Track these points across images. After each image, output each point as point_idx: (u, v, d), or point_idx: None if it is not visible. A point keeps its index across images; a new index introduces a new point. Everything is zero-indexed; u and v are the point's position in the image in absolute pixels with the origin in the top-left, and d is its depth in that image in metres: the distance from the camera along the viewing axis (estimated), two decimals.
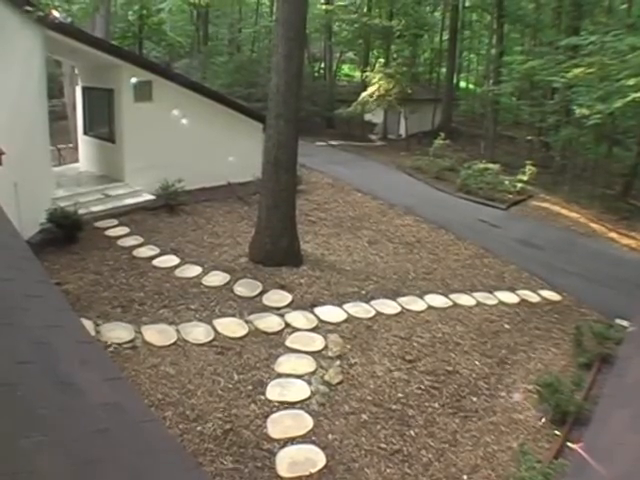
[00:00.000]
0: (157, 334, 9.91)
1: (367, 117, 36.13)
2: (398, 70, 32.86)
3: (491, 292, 13.62)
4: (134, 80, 17.09)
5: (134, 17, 36.33)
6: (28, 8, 13.50)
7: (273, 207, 13.46)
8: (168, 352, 9.44)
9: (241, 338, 10.11)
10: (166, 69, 22.54)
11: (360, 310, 11.66)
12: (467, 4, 40.33)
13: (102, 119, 18.64)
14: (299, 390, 8.90)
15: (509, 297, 13.55)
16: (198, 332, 10.12)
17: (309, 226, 16.19)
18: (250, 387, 8.77)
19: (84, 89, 19.92)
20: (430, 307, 12.31)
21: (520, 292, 13.94)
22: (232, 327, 10.42)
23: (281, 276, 12.72)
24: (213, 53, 39.98)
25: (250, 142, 18.94)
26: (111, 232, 14.57)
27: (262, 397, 8.57)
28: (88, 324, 9.62)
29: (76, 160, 20.93)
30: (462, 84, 50.60)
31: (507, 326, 12.07)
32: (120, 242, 13.97)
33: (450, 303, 12.67)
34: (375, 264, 14.31)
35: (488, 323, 12.02)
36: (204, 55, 38.61)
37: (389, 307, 11.99)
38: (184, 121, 17.95)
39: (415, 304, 12.33)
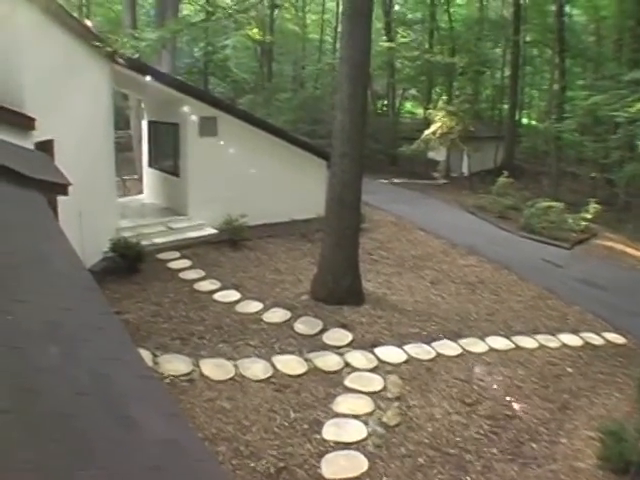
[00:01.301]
0: (215, 368, 9.91)
1: (430, 155, 36.02)
2: (461, 107, 32.73)
3: (554, 334, 13.28)
4: (194, 117, 17.38)
5: (200, 53, 37.10)
6: (97, 43, 13.90)
7: (336, 245, 13.42)
8: (225, 387, 9.42)
9: (300, 376, 10.04)
10: (231, 105, 22.88)
11: (421, 351, 11.47)
12: (527, 39, 40.03)
13: (167, 153, 19.00)
14: (356, 431, 8.76)
15: (572, 339, 13.19)
16: (256, 368, 10.07)
17: (371, 265, 16.10)
18: (306, 426, 8.68)
19: (150, 123, 20.38)
20: (491, 349, 12.04)
21: (583, 334, 13.55)
22: (291, 364, 10.36)
23: (342, 315, 12.62)
24: (277, 90, 40.42)
25: (313, 179, 19.03)
26: (173, 264, 14.73)
27: (318, 436, 8.46)
28: (146, 355, 9.70)
29: (140, 192, 21.35)
30: (524, 120, 50.11)
31: (569, 370, 11.73)
32: (182, 275, 14.10)
33: (512, 345, 12.38)
34: (437, 304, 14.12)
35: (550, 366, 11.71)
36: (268, 91, 39.01)
37: (450, 348, 11.78)
38: (248, 156, 18.10)
39: (476, 346, 12.09)
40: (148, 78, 16.33)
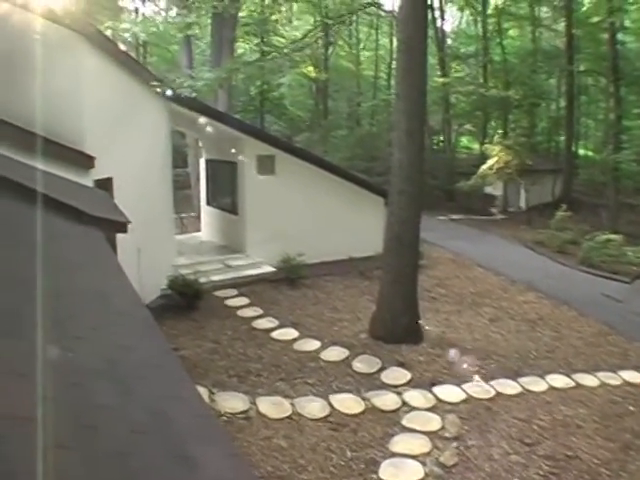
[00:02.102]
0: (272, 406, 9.85)
1: (487, 190, 35.75)
2: (517, 141, 32.50)
3: (615, 372, 12.85)
4: (252, 156, 17.57)
5: (256, 91, 37.61)
6: (155, 83, 14.20)
7: (395, 283, 13.31)
8: (282, 425, 9.35)
9: (357, 415, 9.90)
10: (288, 143, 23.10)
11: (480, 390, 11.21)
12: (581, 68, 39.56)
13: (225, 191, 19.21)
14: (413, 471, 8.58)
15: (634, 377, 12.72)
16: (313, 407, 9.98)
17: (430, 302, 15.92)
18: (363, 465, 8.53)
19: (208, 161, 20.68)
20: (551, 388, 11.69)
21: None
22: (348, 403, 10.23)
23: (401, 353, 12.46)
24: (333, 127, 40.69)
25: (371, 216, 18.99)
26: (231, 302, 14.81)
27: (374, 476, 8.30)
28: (203, 392, 9.70)
29: (198, 229, 21.61)
30: (581, 152, 49.41)
31: (632, 408, 11.31)
32: (240, 312, 14.15)
33: (572, 384, 12.01)
34: (496, 342, 13.86)
35: (611, 405, 11.32)
36: (324, 129, 39.27)
37: (509, 387, 11.48)
38: (305, 194, 18.17)
39: (536, 384, 11.75)
40: (203, 119, 16.62)
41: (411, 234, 13.19)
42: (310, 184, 18.30)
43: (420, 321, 13.67)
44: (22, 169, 7.33)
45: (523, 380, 11.83)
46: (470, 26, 46.20)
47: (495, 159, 31.46)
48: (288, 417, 9.60)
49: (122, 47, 13.57)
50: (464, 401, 10.75)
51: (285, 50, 19.44)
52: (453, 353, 12.46)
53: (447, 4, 41.86)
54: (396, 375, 11.50)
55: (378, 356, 12.24)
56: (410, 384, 11.21)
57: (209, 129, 17.68)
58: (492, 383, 11.55)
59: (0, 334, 3.17)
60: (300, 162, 18.30)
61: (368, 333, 13.38)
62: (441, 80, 36.67)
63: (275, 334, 13.03)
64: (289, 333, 13.13)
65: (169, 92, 14.95)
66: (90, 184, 10.01)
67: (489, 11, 39.38)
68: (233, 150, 18.04)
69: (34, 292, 3.73)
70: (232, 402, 9.81)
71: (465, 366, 12.14)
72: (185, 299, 13.98)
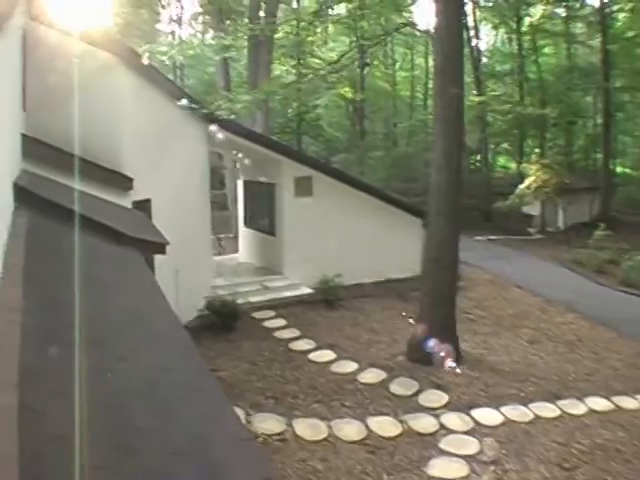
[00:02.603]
0: (308, 428, 9.84)
1: (525, 209, 35.37)
2: (554, 160, 32.22)
3: None
4: (289, 177, 17.65)
5: (292, 113, 37.80)
6: (193, 105, 14.34)
7: (433, 305, 13.26)
8: (318, 447, 9.32)
9: (394, 438, 9.83)
10: (326, 164, 23.16)
11: (518, 413, 11.05)
12: (618, 85, 39.02)
13: (263, 212, 19.28)
14: None
15: None
16: (350, 429, 9.94)
17: (468, 324, 15.75)
18: None
19: (245, 182, 20.79)
20: (591, 410, 11.47)
21: None
22: (385, 426, 10.17)
23: (438, 376, 12.34)
24: (370, 148, 40.65)
25: (408, 237, 18.86)
26: (268, 323, 14.83)
27: None
28: (240, 413, 9.68)
29: (236, 250, 21.67)
30: (619, 169, 48.69)
31: None
32: (277, 334, 14.18)
33: (612, 406, 11.75)
34: (534, 364, 13.67)
35: None
36: (361, 150, 39.25)
37: (548, 410, 11.29)
38: (343, 215, 18.15)
39: (575, 407, 11.54)
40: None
41: (450, 255, 13.13)
42: (347, 205, 18.27)
43: (458, 343, 13.55)
44: (63, 191, 7.43)
45: (562, 403, 11.64)
46: (505, 44, 45.95)
47: (532, 178, 31.17)
48: (324, 439, 9.58)
49: (159, 69, 13.70)
50: (502, 424, 10.63)
51: (322, 72, 19.53)
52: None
53: (481, 22, 41.68)
54: (433, 398, 11.40)
55: (415, 378, 12.16)
56: (448, 407, 11.10)
57: (246, 150, 17.77)
58: (530, 406, 11.39)
59: (41, 354, 3.20)
60: (337, 183, 18.32)
61: (406, 355, 13.29)
62: (477, 99, 36.42)
63: (312, 356, 13.02)
64: (326, 355, 13.10)
65: (207, 114, 15.08)
66: (129, 205, 10.12)
67: (524, 28, 39.07)
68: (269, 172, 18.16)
69: (74, 313, 3.76)
70: (268, 423, 9.81)
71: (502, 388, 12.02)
72: (222, 320, 14.04)
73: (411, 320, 14.62)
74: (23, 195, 5.83)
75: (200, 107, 14.95)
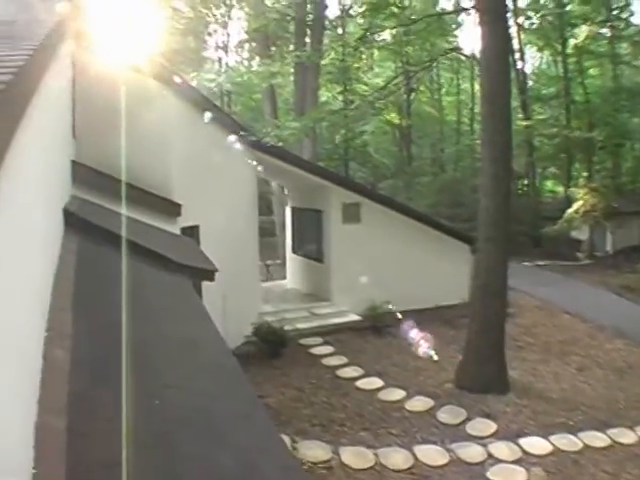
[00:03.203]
0: (354, 456, 9.74)
1: (573, 234, 34.93)
2: (602, 183, 31.79)
3: None
4: (337, 204, 17.66)
5: (340, 139, 37.91)
6: (242, 133, 14.46)
7: (481, 332, 13.10)
8: (364, 476, 9.23)
9: (441, 467, 9.68)
10: (374, 191, 23.18)
11: (567, 442, 10.78)
12: None
13: (310, 239, 19.33)
14: None
15: None
16: (397, 458, 9.82)
17: (516, 351, 15.51)
18: None
19: (293, 209, 20.87)
20: None
21: None
22: (432, 455, 10.01)
23: (486, 404, 12.15)
24: (417, 173, 40.58)
25: (456, 264, 18.74)
26: (315, 350, 14.79)
27: None
28: (286, 440, 9.64)
29: (283, 277, 21.71)
30: None
31: None
32: (324, 361, 14.12)
33: None
34: (583, 392, 13.39)
35: None
36: (408, 175, 39.19)
37: (597, 439, 11.00)
38: (390, 241, 18.07)
39: (625, 436, 11.19)
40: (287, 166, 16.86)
41: (498, 282, 12.98)
42: (395, 231, 18.22)
43: (507, 370, 13.33)
44: (112, 217, 7.50)
45: (611, 432, 11.33)
46: (550, 67, 45.57)
47: (580, 202, 30.83)
48: (371, 468, 9.49)
49: (207, 96, 13.87)
50: (550, 453, 10.38)
51: (369, 98, 19.58)
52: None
53: (526, 45, 41.42)
54: (481, 426, 11.21)
55: (463, 406, 11.98)
56: (496, 435, 10.90)
57: (294, 177, 17.85)
58: (580, 435, 11.13)
59: (89, 379, 3.20)
60: (385, 210, 18.29)
61: (454, 383, 13.13)
62: (524, 123, 36.16)
63: (359, 383, 12.93)
64: (374, 382, 12.99)
65: (255, 141, 15.20)
66: (177, 231, 10.19)
67: (569, 50, 38.74)
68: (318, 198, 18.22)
69: (123, 339, 3.76)
70: (314, 451, 9.74)
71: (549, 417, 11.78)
72: (270, 346, 14.05)
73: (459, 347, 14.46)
74: (73, 220, 5.89)
75: (248, 134, 15.08)
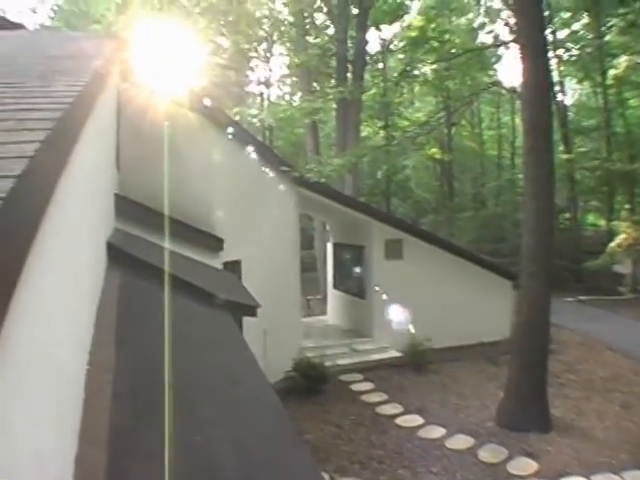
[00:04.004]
0: None
1: (615, 268, 34.42)
2: None
3: None
4: (379, 240, 17.64)
5: (381, 174, 37.96)
6: (284, 169, 14.56)
7: (523, 369, 12.91)
8: None
9: None
10: (416, 227, 23.11)
11: None
12: None
13: (352, 275, 19.30)
14: None
15: None
16: None
17: (558, 388, 15.24)
18: None
19: (335, 245, 20.88)
20: None
21: None
22: None
23: (528, 442, 11.90)
24: (459, 208, 40.39)
25: (498, 300, 18.57)
26: (355, 387, 14.71)
27: None
28: (325, 477, 9.57)
29: (324, 312, 21.68)
30: None
31: None
32: (364, 397, 14.03)
33: None
34: (628, 430, 13.04)
35: None
36: (450, 210, 39.05)
37: None
38: (431, 277, 17.96)
39: None
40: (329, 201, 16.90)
41: (541, 318, 12.81)
42: (437, 267, 18.14)
43: (549, 408, 13.07)
44: (154, 250, 7.55)
45: None
46: (591, 98, 45.22)
47: (623, 236, 30.38)
48: None
49: (250, 132, 14.03)
50: None
51: (410, 133, 19.62)
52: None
53: (566, 77, 41.18)
54: (523, 465, 10.99)
55: (505, 445, 11.77)
56: (537, 475, 10.68)
57: (336, 212, 17.86)
58: (623, 475, 10.84)
59: (131, 414, 3.19)
60: (427, 245, 18.19)
61: (495, 421, 12.93)
62: (565, 156, 35.87)
63: (399, 420, 12.81)
64: (414, 419, 12.86)
65: (297, 176, 15.29)
66: (219, 266, 10.24)
67: (609, 81, 38.44)
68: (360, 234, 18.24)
69: (165, 373, 3.75)
70: None
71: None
72: (310, 382, 13.99)
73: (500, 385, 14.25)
74: (116, 254, 5.92)
75: (291, 170, 15.17)
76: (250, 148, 13.30)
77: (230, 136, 12.01)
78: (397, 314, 16.91)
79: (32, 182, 1.73)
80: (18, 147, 1.85)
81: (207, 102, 11.32)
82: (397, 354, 16.85)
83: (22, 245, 1.66)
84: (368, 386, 14.82)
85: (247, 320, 9.68)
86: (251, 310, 7.63)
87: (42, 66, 4.42)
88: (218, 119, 11.51)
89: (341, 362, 15.93)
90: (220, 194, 11.02)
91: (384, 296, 17.45)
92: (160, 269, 6.25)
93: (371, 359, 16.56)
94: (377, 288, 17.15)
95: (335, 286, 21.04)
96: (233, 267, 11.05)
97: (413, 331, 16.52)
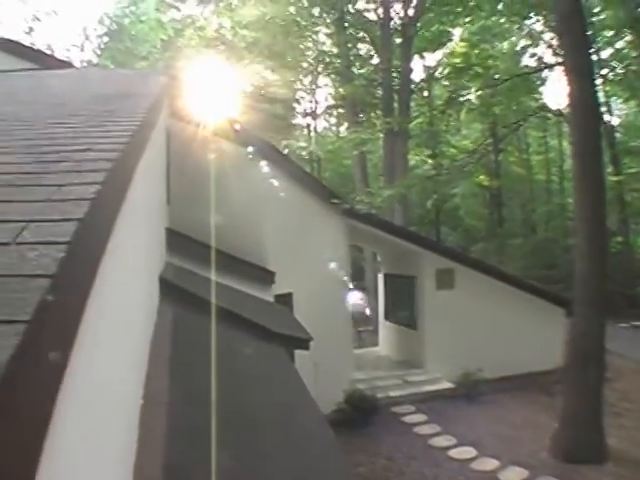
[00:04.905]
0: None
1: None
2: None
3: None
4: (431, 270, 17.54)
5: (430, 203, 37.82)
6: (334, 201, 14.61)
7: (577, 399, 12.64)
8: None
9: None
10: (467, 256, 22.94)
11: None
12: None
13: (403, 305, 19.19)
14: None
15: None
16: None
17: (613, 418, 14.85)
18: None
19: (386, 276, 20.80)
20: None
21: None
22: None
23: (583, 474, 11.61)
24: (508, 235, 39.98)
25: (550, 327, 18.20)
26: (407, 418, 14.55)
27: None
28: None
29: (375, 343, 21.55)
30: None
31: None
32: (416, 429, 13.85)
33: None
34: None
35: None
36: (499, 238, 38.68)
37: None
38: (483, 306, 17.76)
39: None
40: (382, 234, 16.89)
41: (595, 346, 12.54)
42: (488, 296, 17.91)
43: (604, 439, 12.75)
44: (206, 284, 7.60)
45: None
46: (638, 117, 44.55)
47: None
48: None
49: (299, 165, 14.15)
50: None
51: (460, 162, 19.57)
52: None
53: (612, 97, 40.64)
54: None
55: (559, 477, 11.48)
56: None
57: (387, 243, 17.82)
58: None
59: (185, 449, 3.20)
60: (478, 274, 18.01)
61: (549, 452, 12.62)
62: (614, 178, 35.34)
63: (452, 452, 12.58)
64: (467, 452, 12.62)
65: (347, 208, 15.33)
66: (271, 299, 10.28)
67: None
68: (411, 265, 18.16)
69: (219, 407, 3.75)
70: None
71: None
72: (361, 414, 13.88)
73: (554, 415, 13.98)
74: (168, 288, 5.97)
75: (341, 201, 15.22)
76: (299, 180, 13.40)
77: (279, 170, 12.11)
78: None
79: (93, 224, 1.76)
80: (77, 189, 1.88)
81: (254, 134, 11.46)
82: (449, 385, 16.65)
83: (84, 289, 1.68)
84: (420, 418, 14.64)
85: (299, 352, 9.70)
86: (304, 343, 7.65)
87: (95, 105, 4.52)
88: (266, 151, 11.61)
89: (393, 394, 15.78)
90: (270, 226, 11.09)
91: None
92: (212, 303, 6.28)
93: (423, 390, 16.37)
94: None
95: (386, 317, 20.92)
96: (285, 300, 11.08)
97: (464, 360, 16.30)
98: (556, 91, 44.51)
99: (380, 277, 21.69)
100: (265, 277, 10.27)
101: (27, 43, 21.19)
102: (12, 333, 1.10)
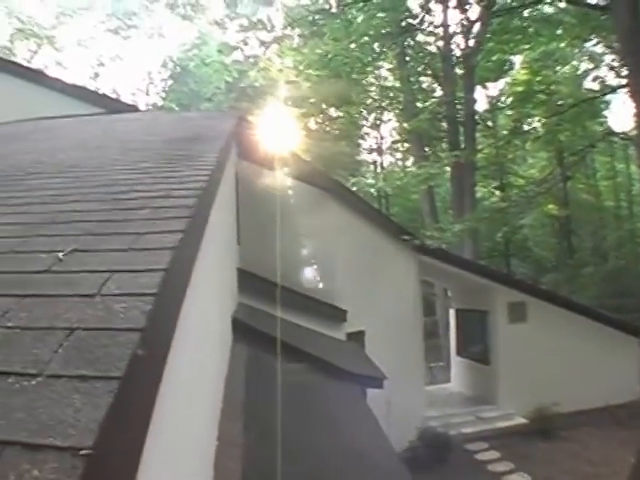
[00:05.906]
0: None
1: None
2: None
3: None
4: (503, 304, 17.30)
5: (500, 236, 37.35)
6: (405, 237, 14.57)
7: None
8: None
9: None
10: (539, 288, 22.51)
11: None
12: None
13: (475, 340, 18.93)
14: None
15: None
16: None
17: None
18: None
19: (457, 311, 20.58)
20: None
21: None
22: None
23: None
24: (579, 265, 39.16)
25: (625, 358, 17.71)
26: (480, 456, 14.23)
27: None
28: None
29: (447, 379, 21.25)
30: None
31: None
32: (490, 467, 13.54)
33: None
34: None
35: None
36: (570, 268, 37.91)
37: None
38: (556, 339, 17.37)
39: None
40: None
41: None
42: (560, 328, 17.49)
43: None
44: (278, 323, 7.61)
45: None
46: None
47: None
48: None
49: (368, 202, 14.15)
50: None
51: (529, 193, 19.32)
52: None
53: None
54: None
55: None
56: None
57: (457, 277, 17.65)
58: None
59: None
60: (550, 306, 17.65)
61: None
62: None
63: None
64: None
65: (417, 243, 15.25)
66: (343, 337, 10.25)
67: None
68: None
69: (293, 447, 3.73)
70: None
71: None
72: (434, 452, 13.63)
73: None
74: (241, 328, 6.00)
75: (411, 237, 15.15)
76: (368, 217, 13.42)
77: (348, 207, 12.14)
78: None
79: (175, 273, 1.77)
80: (159, 237, 1.90)
81: (322, 173, 11.52)
82: (523, 421, 16.26)
83: (167, 338, 1.69)
84: (494, 455, 14.31)
85: (371, 390, 9.63)
86: (377, 382, 7.59)
87: (166, 149, 4.60)
88: (334, 189, 11.65)
89: (465, 430, 15.48)
90: (342, 264, 11.09)
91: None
92: (285, 343, 6.29)
93: (496, 427, 16.01)
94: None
95: (458, 352, 20.59)
96: (357, 337, 11.04)
97: (538, 395, 15.93)
98: (621, 114, 43.70)
99: (451, 312, 21.44)
100: (337, 315, 10.26)
101: (92, 88, 21.82)
102: (106, 390, 1.10)
